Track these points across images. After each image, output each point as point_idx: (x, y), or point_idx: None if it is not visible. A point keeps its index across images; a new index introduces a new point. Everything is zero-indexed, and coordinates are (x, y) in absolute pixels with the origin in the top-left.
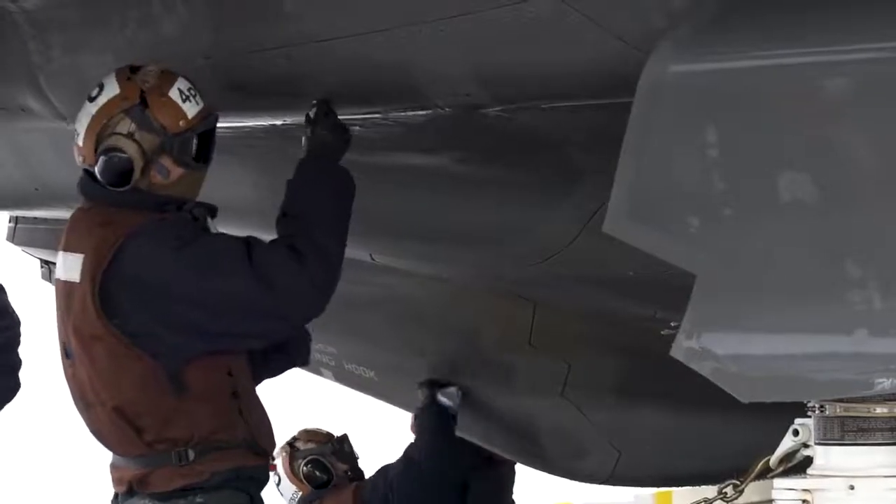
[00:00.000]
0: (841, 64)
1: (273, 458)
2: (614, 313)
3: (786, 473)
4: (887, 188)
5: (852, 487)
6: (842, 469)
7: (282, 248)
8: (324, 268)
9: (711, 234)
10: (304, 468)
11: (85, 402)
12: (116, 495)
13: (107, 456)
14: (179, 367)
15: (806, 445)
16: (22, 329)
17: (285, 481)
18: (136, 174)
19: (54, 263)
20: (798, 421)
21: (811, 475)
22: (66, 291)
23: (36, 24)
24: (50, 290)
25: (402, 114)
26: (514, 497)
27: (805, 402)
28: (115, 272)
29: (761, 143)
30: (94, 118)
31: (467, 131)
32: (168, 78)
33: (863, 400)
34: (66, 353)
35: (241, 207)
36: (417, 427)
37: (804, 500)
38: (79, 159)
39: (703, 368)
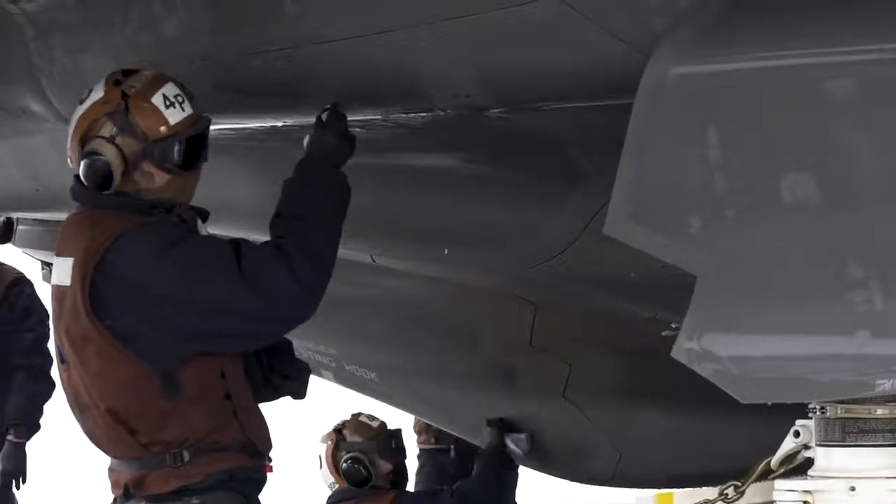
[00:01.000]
0: (842, 65)
1: (269, 460)
2: (615, 314)
3: (787, 475)
4: (889, 189)
5: (853, 489)
6: (843, 470)
7: (271, 249)
8: (312, 270)
9: (712, 236)
10: (345, 464)
11: (79, 405)
12: (115, 499)
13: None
14: (171, 368)
15: (807, 447)
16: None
17: (325, 469)
18: (117, 178)
19: None
20: (799, 422)
21: (812, 476)
22: (58, 296)
23: (37, 25)
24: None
25: (403, 115)
26: (516, 499)
27: (806, 403)
28: (104, 274)
29: (762, 145)
30: (79, 122)
31: (468, 133)
32: (155, 83)
33: (864, 401)
34: (62, 358)
35: (241, 209)
36: (479, 465)
37: (805, 502)
38: (69, 163)
39: (705, 370)
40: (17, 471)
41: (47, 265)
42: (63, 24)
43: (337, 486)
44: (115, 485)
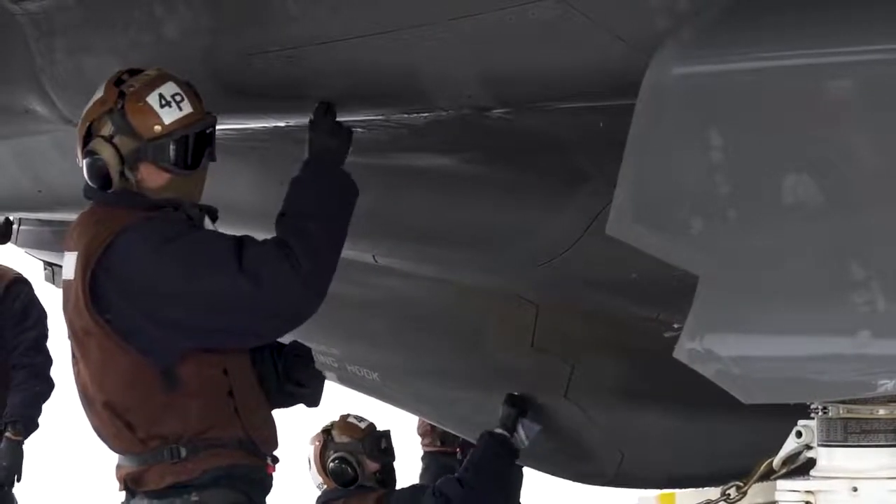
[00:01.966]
0: (844, 66)
1: (273, 461)
2: (617, 315)
3: (789, 475)
4: (890, 190)
5: (855, 489)
6: (845, 471)
7: (274, 246)
8: (315, 267)
9: (714, 236)
10: (332, 464)
11: (87, 399)
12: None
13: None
14: (170, 362)
15: (809, 447)
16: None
17: (314, 469)
18: (115, 177)
19: (57, 265)
20: (801, 422)
21: (814, 477)
22: (66, 290)
23: (39, 25)
24: (52, 293)
25: (405, 116)
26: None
27: (808, 403)
28: (105, 268)
29: (764, 146)
30: (82, 121)
31: (470, 133)
32: (153, 83)
33: (866, 402)
34: (72, 353)
35: (242, 209)
36: (474, 450)
37: (807, 502)
38: (77, 161)
39: (707, 370)
40: (13, 468)
41: (49, 265)
42: (65, 24)
43: (325, 486)
44: (120, 481)
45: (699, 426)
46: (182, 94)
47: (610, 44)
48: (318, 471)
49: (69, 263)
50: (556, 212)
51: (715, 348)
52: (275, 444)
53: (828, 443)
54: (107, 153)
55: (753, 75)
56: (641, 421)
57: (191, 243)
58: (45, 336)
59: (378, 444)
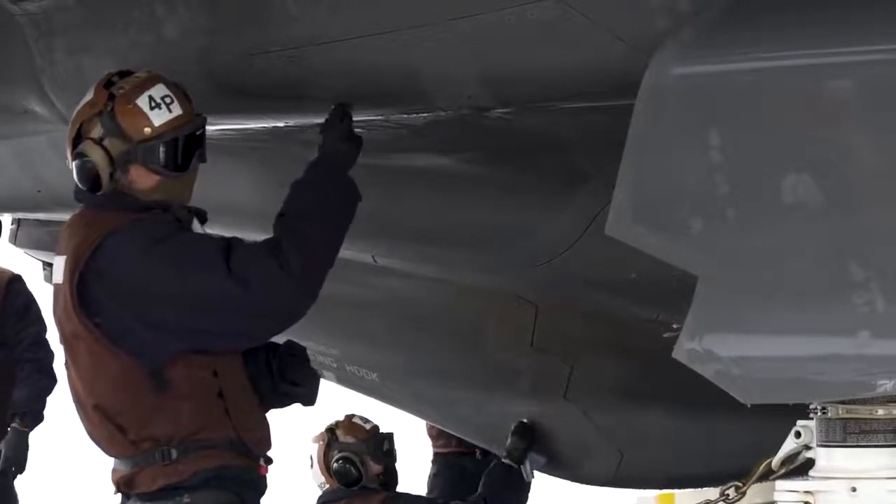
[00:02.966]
0: (843, 66)
1: (264, 462)
2: (617, 315)
3: (788, 475)
4: (890, 190)
5: (854, 489)
6: (844, 471)
7: (266, 246)
8: (307, 268)
9: (714, 237)
10: (335, 464)
11: (79, 403)
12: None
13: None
14: (160, 364)
15: (808, 447)
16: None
17: (316, 468)
18: (105, 179)
19: None
20: (800, 423)
21: (813, 477)
22: (56, 294)
23: (39, 26)
24: (52, 293)
25: (404, 116)
26: None
27: (807, 404)
28: (93, 271)
29: (764, 146)
30: (72, 123)
31: (469, 133)
32: (143, 85)
33: (865, 402)
34: (65, 356)
35: (242, 209)
36: (489, 478)
37: (806, 502)
38: (67, 163)
39: (706, 370)
40: (18, 458)
41: (48, 266)
42: (64, 24)
43: (327, 485)
44: (114, 485)
45: (698, 426)
46: (172, 95)
47: (609, 44)
48: (322, 470)
49: (58, 267)
50: (556, 212)
51: (714, 348)
52: (268, 446)
53: (827, 443)
54: (96, 155)
55: (753, 75)
56: (641, 421)
57: (180, 244)
58: (45, 331)
59: (382, 445)
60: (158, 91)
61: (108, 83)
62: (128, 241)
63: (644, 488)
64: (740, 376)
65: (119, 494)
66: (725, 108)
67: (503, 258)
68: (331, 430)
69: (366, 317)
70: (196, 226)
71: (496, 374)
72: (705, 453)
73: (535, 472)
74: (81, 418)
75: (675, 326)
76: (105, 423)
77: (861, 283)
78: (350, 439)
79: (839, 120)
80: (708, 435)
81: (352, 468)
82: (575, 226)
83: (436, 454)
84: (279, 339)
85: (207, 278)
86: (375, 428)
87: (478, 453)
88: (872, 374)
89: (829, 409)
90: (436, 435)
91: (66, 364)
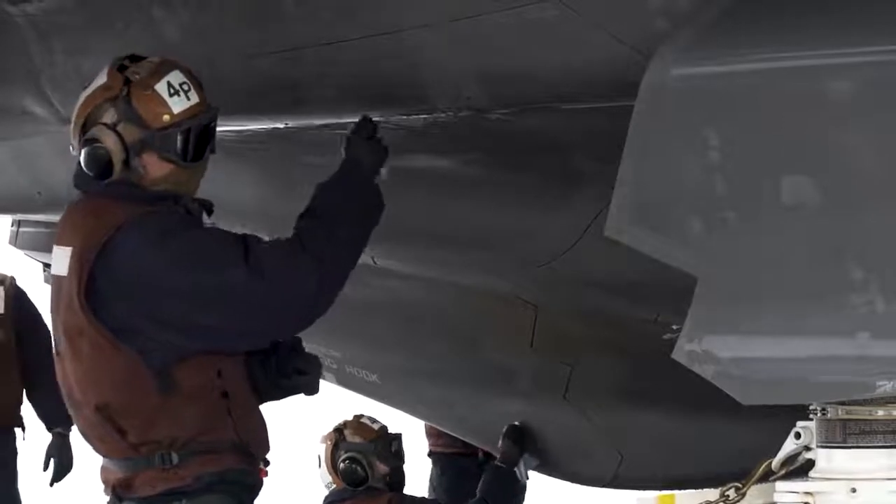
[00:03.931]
0: (843, 67)
1: (264, 465)
2: (616, 316)
3: (788, 476)
4: (889, 191)
5: (854, 490)
6: (844, 472)
7: (286, 243)
8: (326, 269)
9: (713, 238)
10: (342, 464)
11: (72, 401)
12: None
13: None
14: (167, 364)
15: (808, 448)
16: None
17: (324, 468)
18: (117, 166)
19: None
20: (800, 424)
21: (813, 478)
22: (56, 286)
23: (38, 27)
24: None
25: (404, 117)
26: None
27: (807, 404)
28: (103, 266)
29: (763, 147)
30: (81, 107)
31: (469, 134)
32: (161, 70)
33: (864, 403)
34: (57, 351)
35: (242, 210)
36: (486, 481)
37: (806, 503)
38: (71, 149)
39: (705, 371)
40: (69, 461)
41: (49, 267)
42: (64, 26)
43: (334, 485)
44: (105, 484)
45: (698, 427)
46: (189, 83)
47: (609, 45)
48: (329, 470)
49: (61, 258)
50: (555, 213)
51: (714, 349)
52: (267, 447)
53: (827, 444)
54: (109, 141)
55: (752, 76)
56: (640, 422)
57: (195, 239)
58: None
59: (390, 446)
60: (176, 77)
61: (120, 67)
62: (141, 236)
63: (644, 489)
64: (740, 377)
65: (110, 495)
66: (725, 110)
67: (503, 259)
68: (339, 430)
69: (366, 318)
70: (204, 218)
71: (496, 374)
72: (705, 454)
73: (534, 473)
74: (75, 416)
75: (674, 327)
76: (103, 423)
77: (860, 284)
78: (358, 439)
79: (838, 121)
80: (707, 436)
81: (358, 468)
82: (575, 227)
83: (438, 455)
84: None
85: (224, 274)
86: (384, 429)
87: (480, 454)
88: (872, 375)
89: (828, 409)
90: (436, 434)
91: (62, 359)
